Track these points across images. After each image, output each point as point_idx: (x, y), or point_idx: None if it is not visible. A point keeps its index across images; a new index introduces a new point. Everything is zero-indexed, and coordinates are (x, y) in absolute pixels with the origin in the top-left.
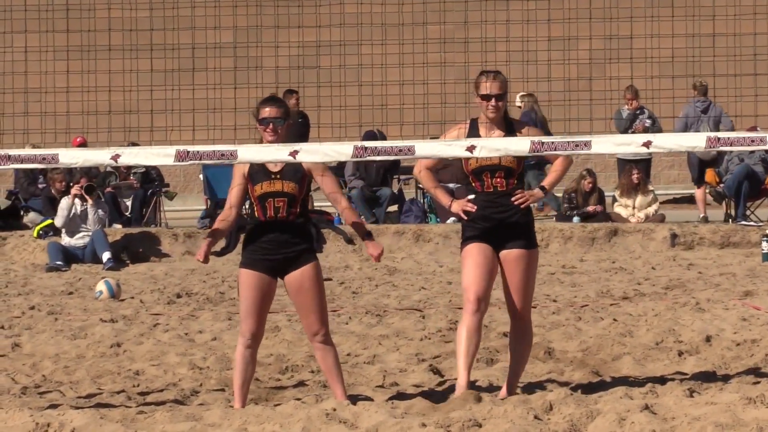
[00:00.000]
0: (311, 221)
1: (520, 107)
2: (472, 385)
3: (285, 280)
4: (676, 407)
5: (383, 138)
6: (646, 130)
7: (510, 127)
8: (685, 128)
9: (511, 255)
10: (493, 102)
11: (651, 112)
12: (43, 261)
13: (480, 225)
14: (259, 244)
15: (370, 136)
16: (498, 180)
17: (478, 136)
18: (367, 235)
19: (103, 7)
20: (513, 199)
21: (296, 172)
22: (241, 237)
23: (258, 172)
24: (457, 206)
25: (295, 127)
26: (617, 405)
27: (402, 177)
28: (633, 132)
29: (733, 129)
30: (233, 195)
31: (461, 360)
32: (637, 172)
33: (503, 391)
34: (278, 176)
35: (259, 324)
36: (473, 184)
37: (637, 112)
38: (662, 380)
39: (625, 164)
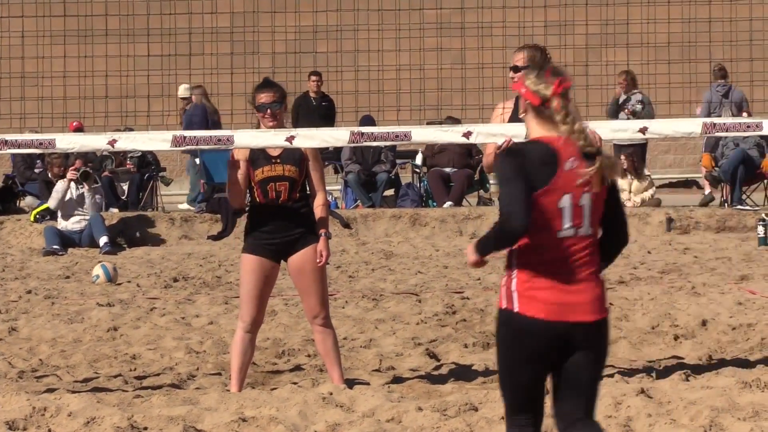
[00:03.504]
0: (310, 205)
1: (184, 99)
2: (467, 369)
3: (288, 262)
4: (672, 391)
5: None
6: (634, 113)
7: None
8: (708, 114)
9: None
10: (510, 74)
11: (645, 95)
12: (39, 245)
13: None
14: (260, 228)
15: (367, 120)
16: None
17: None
18: (326, 234)
19: None
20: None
21: (295, 156)
22: (238, 221)
23: (258, 156)
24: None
25: (320, 109)
26: (613, 389)
27: (399, 161)
28: (626, 115)
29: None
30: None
31: None
32: (625, 158)
33: None
34: (278, 160)
35: (259, 309)
36: None
37: (630, 95)
38: (658, 364)
39: (620, 149)
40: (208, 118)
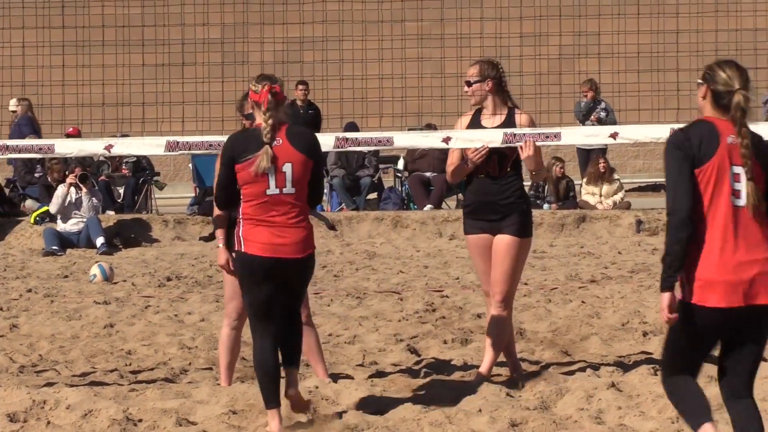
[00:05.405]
0: None
1: (14, 112)
2: (447, 364)
3: None
4: (641, 385)
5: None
6: (599, 120)
7: (511, 112)
8: None
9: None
10: (465, 87)
11: (607, 103)
12: (39, 246)
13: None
14: None
15: (351, 127)
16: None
17: (479, 122)
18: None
19: (97, 3)
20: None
21: None
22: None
23: None
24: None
25: (306, 117)
26: (585, 383)
27: (382, 166)
28: (591, 122)
29: None
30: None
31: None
32: (603, 162)
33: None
34: None
35: (244, 306)
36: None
37: (594, 103)
38: (628, 359)
39: (584, 153)
40: (34, 126)
